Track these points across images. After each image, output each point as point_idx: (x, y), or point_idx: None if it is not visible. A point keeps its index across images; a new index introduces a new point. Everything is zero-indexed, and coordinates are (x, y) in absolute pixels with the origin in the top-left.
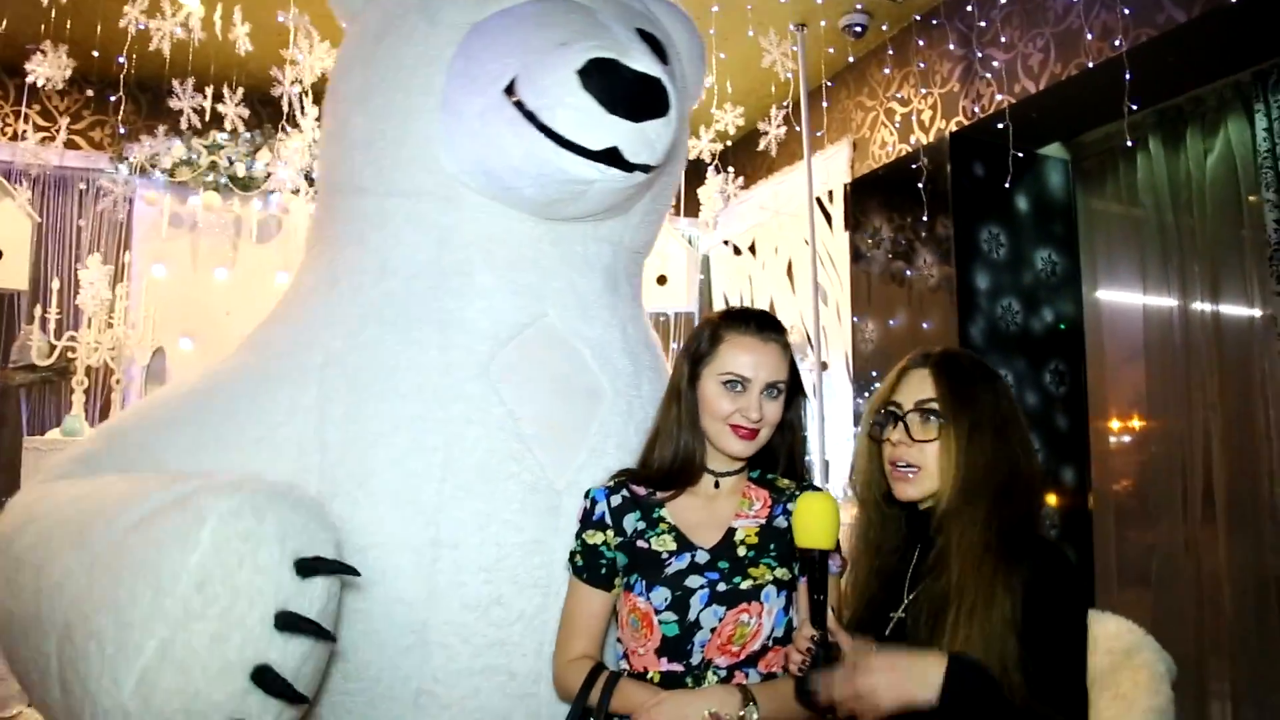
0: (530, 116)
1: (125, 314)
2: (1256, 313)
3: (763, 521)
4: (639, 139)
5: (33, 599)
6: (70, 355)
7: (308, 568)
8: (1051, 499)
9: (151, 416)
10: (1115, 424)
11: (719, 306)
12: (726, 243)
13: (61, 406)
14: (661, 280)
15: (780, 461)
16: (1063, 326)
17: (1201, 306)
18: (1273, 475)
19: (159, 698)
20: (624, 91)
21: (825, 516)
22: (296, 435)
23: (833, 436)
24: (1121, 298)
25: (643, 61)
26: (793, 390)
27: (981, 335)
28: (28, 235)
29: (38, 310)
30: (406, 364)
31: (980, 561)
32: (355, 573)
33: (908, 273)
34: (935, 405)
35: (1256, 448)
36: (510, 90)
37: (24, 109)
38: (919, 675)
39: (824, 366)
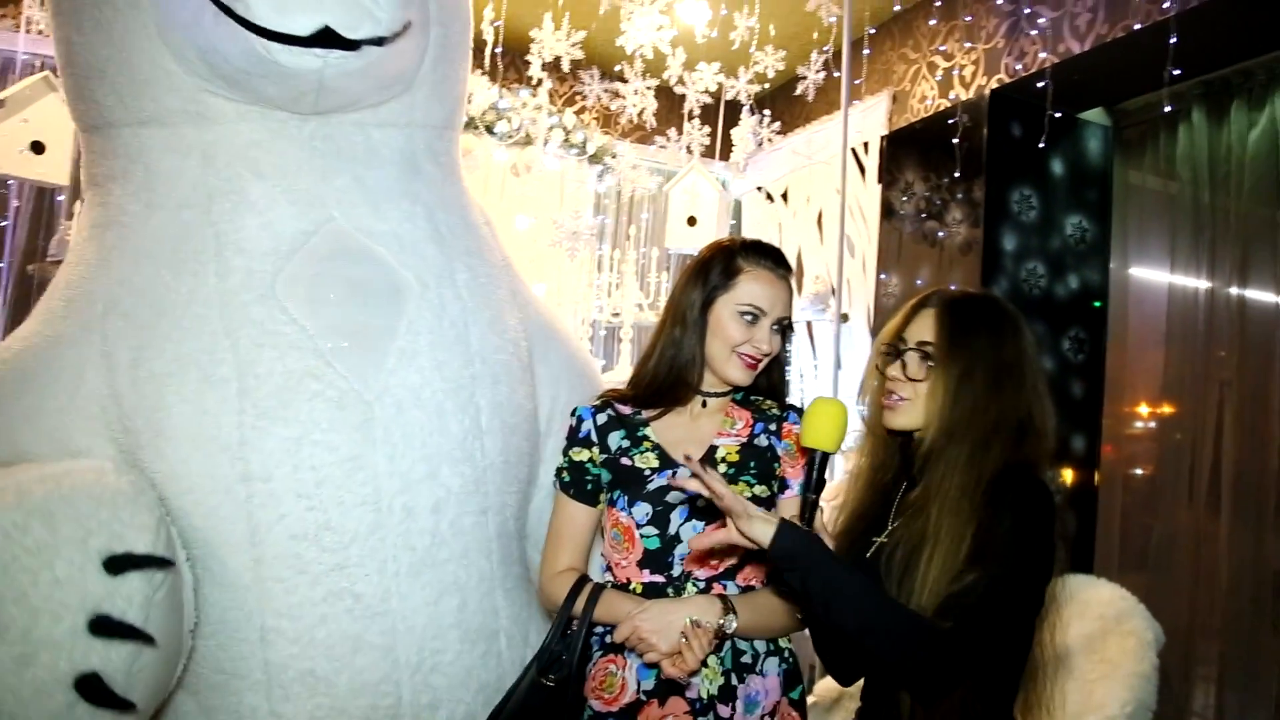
0: (227, 10)
1: None
2: None
3: (744, 440)
4: (353, 10)
5: None
6: None
7: (118, 565)
8: (1067, 475)
9: None
10: (1130, 403)
11: None
12: (760, 189)
13: None
14: (691, 221)
15: (763, 388)
16: (1096, 304)
17: (1228, 291)
18: None
19: None
20: None
21: (834, 420)
22: (93, 392)
23: (848, 387)
24: (1149, 275)
25: None
26: (787, 326)
27: (1003, 296)
28: (70, 131)
29: (77, 206)
30: (186, 297)
31: (957, 507)
32: (170, 563)
33: (940, 234)
34: (932, 348)
35: (1268, 443)
36: None
37: None
38: (760, 530)
39: (844, 318)
